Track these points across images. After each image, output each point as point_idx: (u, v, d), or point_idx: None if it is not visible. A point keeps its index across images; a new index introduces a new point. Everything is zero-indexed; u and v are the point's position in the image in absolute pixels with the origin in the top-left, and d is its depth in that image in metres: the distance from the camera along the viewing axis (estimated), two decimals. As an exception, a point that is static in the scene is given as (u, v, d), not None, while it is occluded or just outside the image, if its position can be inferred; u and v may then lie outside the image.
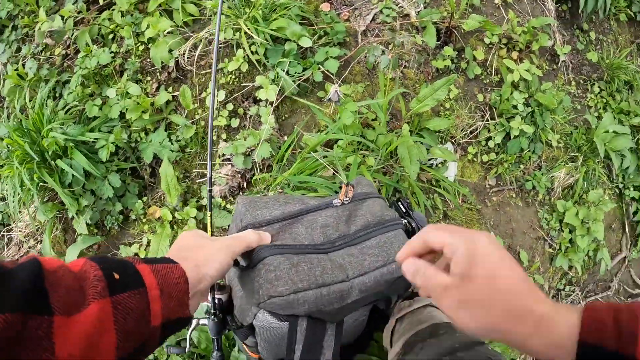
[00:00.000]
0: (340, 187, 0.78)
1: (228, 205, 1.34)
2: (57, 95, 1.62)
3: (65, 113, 1.45)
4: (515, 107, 1.45)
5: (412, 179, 1.19)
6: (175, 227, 1.35)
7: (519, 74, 1.48)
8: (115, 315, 0.38)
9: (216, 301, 0.67)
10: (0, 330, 0.30)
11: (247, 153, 1.30)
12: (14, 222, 1.61)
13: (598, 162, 1.66)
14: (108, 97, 1.43)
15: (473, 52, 1.47)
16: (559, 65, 1.67)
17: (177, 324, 0.46)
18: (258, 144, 1.26)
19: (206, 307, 0.80)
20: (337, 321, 0.63)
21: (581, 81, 1.75)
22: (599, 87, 1.79)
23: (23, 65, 1.64)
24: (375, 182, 1.21)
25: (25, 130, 1.39)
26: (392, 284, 0.65)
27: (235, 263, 0.67)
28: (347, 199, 0.75)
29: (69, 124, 1.42)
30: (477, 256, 0.41)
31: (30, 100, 1.54)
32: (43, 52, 1.71)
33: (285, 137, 1.36)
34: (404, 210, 0.82)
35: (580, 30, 1.82)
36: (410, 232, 0.79)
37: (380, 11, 1.42)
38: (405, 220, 0.78)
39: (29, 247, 1.54)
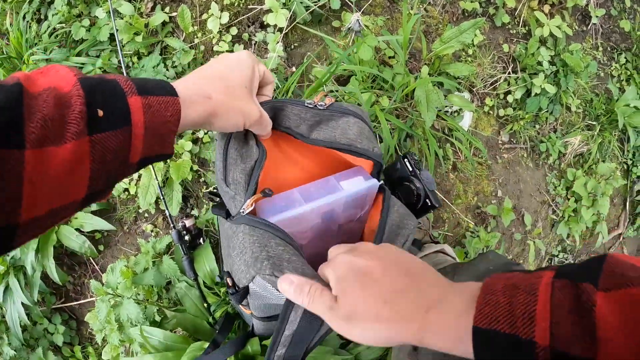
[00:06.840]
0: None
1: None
2: (42, 17, 1.46)
3: (50, 37, 1.32)
4: (540, 63, 1.37)
5: (427, 127, 1.12)
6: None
7: (549, 29, 1.38)
8: (92, 155, 0.34)
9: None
10: None
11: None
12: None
13: (614, 134, 1.60)
14: (97, 17, 1.29)
15: (504, -2, 1.36)
16: (589, 27, 1.58)
17: (156, 159, 0.43)
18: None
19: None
20: None
21: (609, 48, 1.66)
22: (625, 57, 1.70)
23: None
24: (387, 124, 1.14)
25: (6, 56, 1.26)
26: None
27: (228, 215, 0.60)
28: (323, 104, 0.61)
29: (51, 48, 1.29)
30: (344, 272, 0.40)
31: (10, 25, 1.39)
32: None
33: (294, 68, 1.26)
34: (411, 169, 0.73)
35: (615, -6, 1.71)
36: (415, 196, 0.70)
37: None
38: (411, 181, 0.71)
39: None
